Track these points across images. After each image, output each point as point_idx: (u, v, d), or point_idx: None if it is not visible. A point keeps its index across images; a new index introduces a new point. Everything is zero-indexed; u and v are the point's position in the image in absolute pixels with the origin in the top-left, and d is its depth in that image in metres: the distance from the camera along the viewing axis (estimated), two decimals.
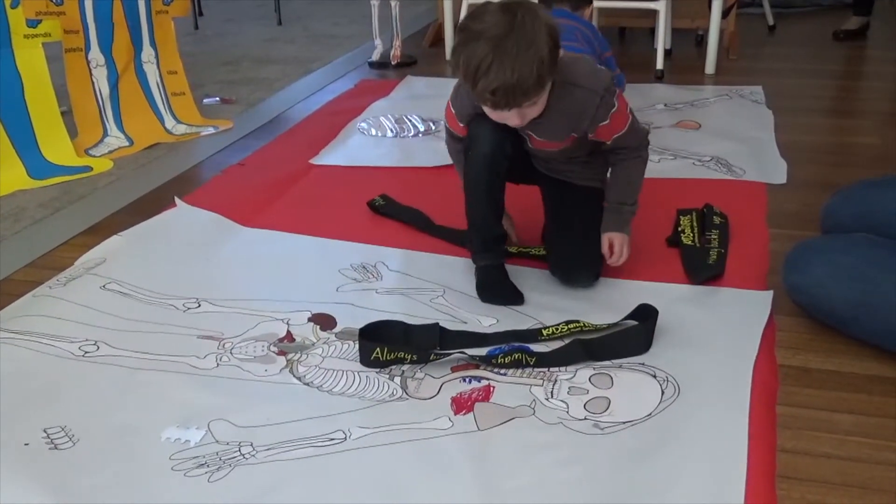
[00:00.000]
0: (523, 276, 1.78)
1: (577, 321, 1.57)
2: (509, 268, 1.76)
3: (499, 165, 1.68)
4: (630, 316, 1.58)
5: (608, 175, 1.77)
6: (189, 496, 1.20)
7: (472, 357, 1.49)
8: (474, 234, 1.75)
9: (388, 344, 1.50)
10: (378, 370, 1.48)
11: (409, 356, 1.49)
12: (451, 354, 1.50)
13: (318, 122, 2.96)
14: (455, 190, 2.29)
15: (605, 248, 1.70)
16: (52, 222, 2.16)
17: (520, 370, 1.47)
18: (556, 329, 1.56)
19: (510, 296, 1.70)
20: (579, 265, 1.71)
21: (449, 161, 2.21)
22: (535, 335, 1.55)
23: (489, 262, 1.74)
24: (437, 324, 1.58)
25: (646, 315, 1.55)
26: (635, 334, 1.53)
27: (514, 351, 1.49)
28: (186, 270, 1.86)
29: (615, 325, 1.57)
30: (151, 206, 2.21)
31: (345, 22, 4.73)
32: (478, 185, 1.71)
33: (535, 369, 1.47)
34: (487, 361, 1.48)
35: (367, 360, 1.50)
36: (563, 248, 1.73)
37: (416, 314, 1.65)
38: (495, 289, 1.71)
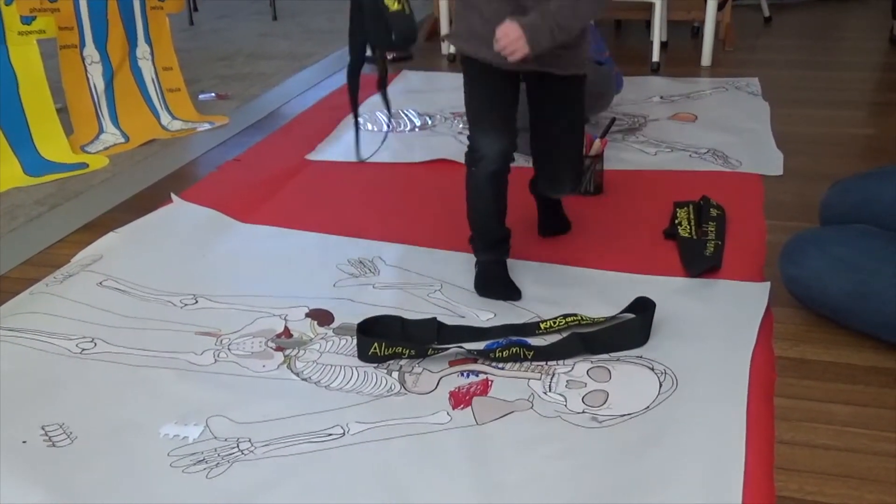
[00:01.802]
0: (521, 269, 1.78)
1: (575, 315, 1.57)
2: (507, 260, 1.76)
3: (503, 178, 1.68)
4: (627, 309, 1.58)
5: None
6: (187, 492, 1.20)
7: (470, 351, 1.49)
8: (479, 237, 1.76)
9: (385, 339, 1.50)
10: (376, 365, 1.48)
11: (408, 351, 1.49)
12: (448, 349, 1.50)
13: (313, 117, 2.95)
14: (450, 184, 2.29)
15: (498, 32, 1.53)
16: (48, 219, 2.15)
17: (518, 364, 1.47)
18: (554, 323, 1.56)
19: (508, 291, 1.70)
20: (560, 178, 1.76)
21: (448, 157, 2.21)
22: (532, 329, 1.56)
23: (491, 258, 1.74)
24: (435, 318, 1.58)
25: (643, 308, 1.55)
26: (633, 327, 1.53)
27: (512, 345, 1.49)
28: (183, 267, 1.86)
29: (613, 318, 1.57)
30: (148, 203, 2.21)
31: (340, 17, 4.71)
32: (484, 197, 1.70)
33: (533, 363, 1.47)
34: (485, 356, 1.48)
35: (365, 355, 1.50)
36: (546, 162, 1.76)
37: (413, 309, 1.65)
38: (494, 284, 1.71)
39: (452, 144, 2.56)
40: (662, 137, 2.54)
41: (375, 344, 1.49)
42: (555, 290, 1.70)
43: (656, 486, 1.18)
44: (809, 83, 3.11)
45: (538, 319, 1.58)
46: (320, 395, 1.41)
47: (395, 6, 1.63)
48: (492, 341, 1.53)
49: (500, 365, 1.47)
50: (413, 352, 1.49)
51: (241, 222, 2.08)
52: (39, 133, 2.48)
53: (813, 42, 3.78)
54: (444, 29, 3.72)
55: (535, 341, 1.52)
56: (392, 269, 1.83)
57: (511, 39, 1.51)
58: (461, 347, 1.50)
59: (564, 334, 1.53)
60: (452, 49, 3.59)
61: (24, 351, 1.55)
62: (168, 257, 1.91)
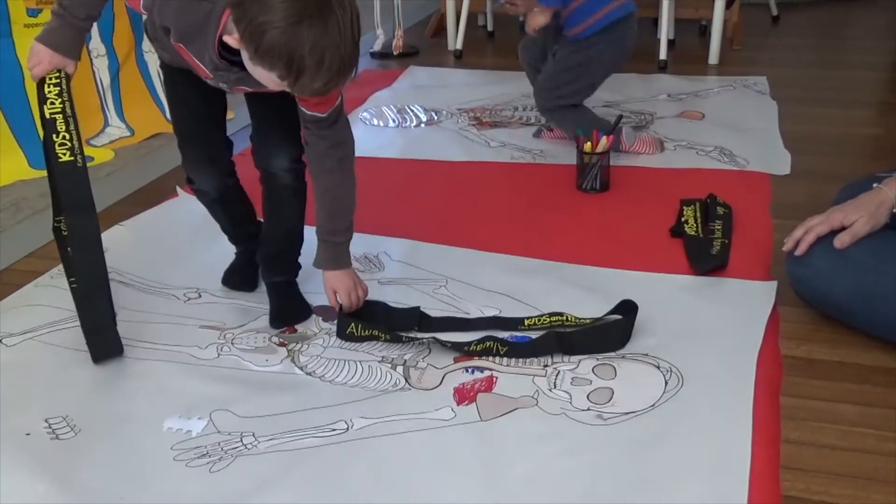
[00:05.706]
0: (525, 267, 1.78)
1: (561, 314, 1.56)
2: (503, 259, 1.75)
3: (230, 200, 1.69)
4: (613, 311, 1.57)
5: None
6: (191, 487, 1.20)
7: (444, 343, 1.49)
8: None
9: (364, 321, 1.52)
10: (380, 359, 1.48)
11: (383, 335, 1.51)
12: (422, 339, 1.51)
13: None
14: (456, 179, 2.29)
15: (332, 300, 1.57)
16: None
17: (522, 360, 1.46)
18: (539, 320, 1.55)
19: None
20: (277, 148, 1.61)
21: (453, 158, 2.20)
22: (515, 324, 1.56)
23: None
24: (419, 308, 1.59)
25: (627, 310, 1.54)
26: (612, 329, 1.52)
27: (486, 339, 1.48)
28: (188, 261, 1.86)
29: (598, 319, 1.56)
30: (153, 196, 2.21)
31: None
32: (221, 220, 1.72)
33: (508, 358, 1.47)
34: (459, 348, 1.48)
35: (342, 333, 1.53)
36: (267, 134, 1.63)
37: (418, 304, 1.64)
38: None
39: (459, 141, 2.55)
40: (670, 135, 2.53)
41: (353, 324, 1.51)
42: (559, 288, 1.69)
43: (661, 484, 1.18)
44: (818, 82, 3.10)
45: (525, 316, 1.58)
46: (324, 389, 1.41)
47: (66, 157, 1.39)
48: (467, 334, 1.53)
49: (503, 360, 1.46)
50: (388, 336, 1.51)
51: None
52: None
53: (821, 41, 3.76)
54: (451, 23, 3.71)
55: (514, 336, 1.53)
56: (397, 265, 1.82)
57: (352, 296, 1.55)
58: (435, 339, 1.50)
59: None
60: (459, 45, 3.59)
61: (28, 343, 1.55)
62: (173, 251, 1.90)
